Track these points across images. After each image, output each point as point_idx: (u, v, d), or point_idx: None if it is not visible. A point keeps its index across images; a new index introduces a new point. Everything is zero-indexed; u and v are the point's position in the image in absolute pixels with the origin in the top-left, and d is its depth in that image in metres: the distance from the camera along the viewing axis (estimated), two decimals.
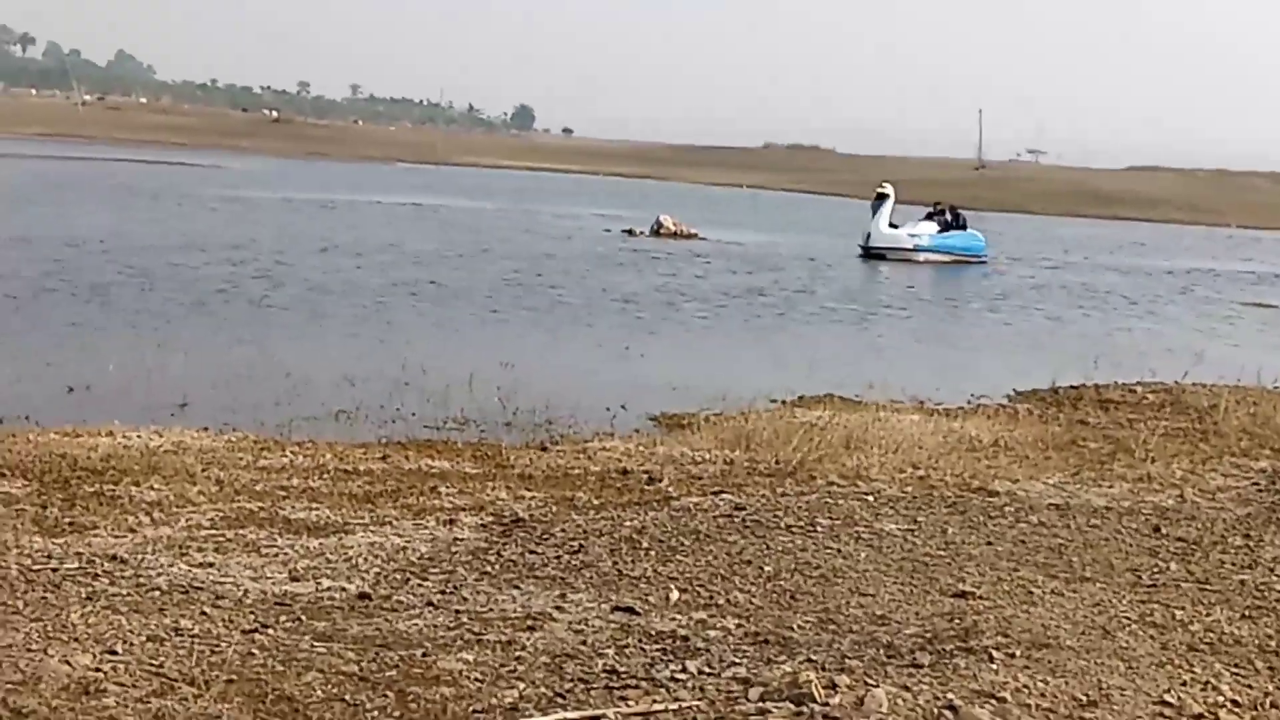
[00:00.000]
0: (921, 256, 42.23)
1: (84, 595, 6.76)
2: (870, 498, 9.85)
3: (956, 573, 7.89)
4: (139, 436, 11.30)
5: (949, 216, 44.00)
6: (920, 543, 8.58)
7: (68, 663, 5.80)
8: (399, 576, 7.46)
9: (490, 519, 8.92)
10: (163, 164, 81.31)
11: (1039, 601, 7.34)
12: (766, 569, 7.81)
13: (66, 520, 8.27)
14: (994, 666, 6.06)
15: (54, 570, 7.15)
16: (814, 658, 6.20)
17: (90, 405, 13.53)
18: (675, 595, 7.24)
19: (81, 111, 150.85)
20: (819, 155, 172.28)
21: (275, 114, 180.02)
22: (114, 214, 41.89)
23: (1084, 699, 5.78)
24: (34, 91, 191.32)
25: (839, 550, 8.29)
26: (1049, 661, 6.22)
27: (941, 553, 8.36)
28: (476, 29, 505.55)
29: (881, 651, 6.30)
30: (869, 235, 43.03)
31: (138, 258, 29.32)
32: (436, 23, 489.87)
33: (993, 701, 5.63)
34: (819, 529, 8.79)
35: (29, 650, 5.93)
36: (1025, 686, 5.84)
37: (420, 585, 7.31)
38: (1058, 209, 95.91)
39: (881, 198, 42.75)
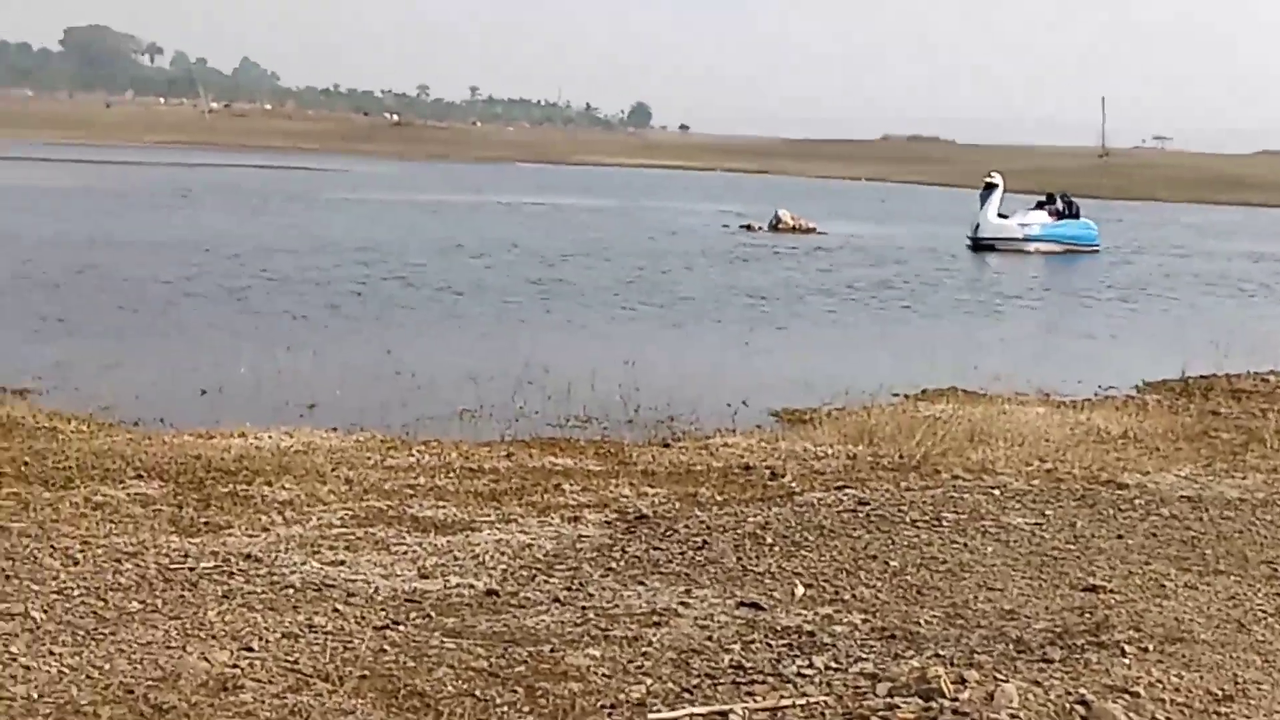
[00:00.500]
0: (1032, 246, 41.48)
1: (220, 594, 6.92)
2: (996, 491, 9.74)
3: (1086, 567, 7.78)
4: (270, 437, 11.52)
5: (1061, 205, 43.19)
6: (1049, 537, 8.48)
7: (206, 659, 5.95)
8: (525, 573, 7.53)
9: (614, 516, 8.97)
10: (288, 169, 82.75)
11: (1172, 595, 7.22)
12: (892, 564, 7.77)
13: (202, 520, 8.46)
14: (1126, 661, 5.97)
15: (191, 569, 7.32)
16: (942, 653, 6.16)
17: (223, 407, 13.82)
18: (800, 590, 7.23)
19: (208, 119, 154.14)
20: (938, 146, 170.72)
21: (396, 117, 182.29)
22: (244, 218, 42.76)
23: (1219, 693, 5.68)
24: (162, 100, 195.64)
25: (965, 545, 8.22)
26: (1183, 656, 6.11)
27: (1071, 546, 8.25)
28: (593, 29, 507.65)
29: (1011, 646, 6.24)
30: (977, 226, 42.39)
31: (269, 261, 29.90)
32: (553, 24, 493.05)
33: (1126, 696, 5.55)
34: (945, 523, 8.72)
35: (168, 648, 6.09)
36: (1159, 681, 5.75)
37: (546, 582, 7.38)
38: (1185, 195, 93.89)
39: (990, 187, 42.07)
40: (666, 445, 12.19)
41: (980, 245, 41.83)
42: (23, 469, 9.70)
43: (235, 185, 62.45)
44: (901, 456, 11.18)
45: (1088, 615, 6.74)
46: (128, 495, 9.03)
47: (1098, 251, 42.56)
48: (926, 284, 32.46)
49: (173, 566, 7.36)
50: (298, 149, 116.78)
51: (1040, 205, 43.29)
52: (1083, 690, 5.57)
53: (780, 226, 47.28)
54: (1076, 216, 43.24)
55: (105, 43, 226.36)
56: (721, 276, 31.87)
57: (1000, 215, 42.35)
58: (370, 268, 29.69)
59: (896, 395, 15.92)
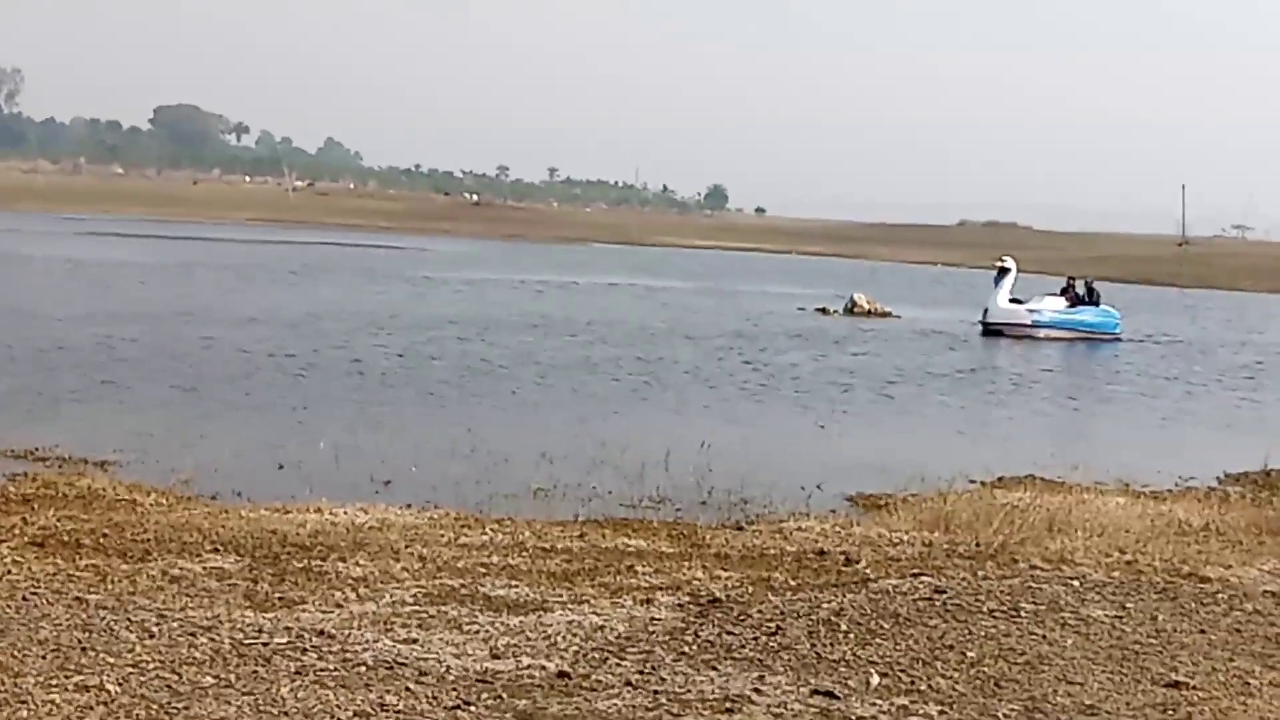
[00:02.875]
0: (1042, 333, 40.69)
1: (293, 670, 6.94)
2: (1075, 582, 9.59)
3: (1169, 662, 7.64)
4: (345, 513, 11.59)
5: (1080, 291, 42.44)
6: (1129, 630, 8.33)
7: None
8: (597, 655, 7.49)
9: (687, 599, 8.92)
10: (369, 246, 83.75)
11: (1256, 693, 7.06)
12: (969, 654, 7.66)
13: (276, 595, 8.50)
14: None
15: (264, 645, 7.35)
16: None
17: (300, 482, 13.93)
18: (876, 680, 7.14)
19: (292, 197, 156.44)
20: (1015, 232, 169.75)
21: (475, 197, 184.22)
22: (330, 294, 43.26)
23: None
24: (247, 178, 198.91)
25: (1044, 636, 8.09)
26: None
27: (1152, 640, 8.10)
28: (669, 111, 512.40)
29: None
30: (986, 310, 41.95)
31: (352, 337, 30.20)
32: (631, 106, 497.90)
33: None
34: (1023, 614, 8.59)
35: None
36: None
37: (619, 665, 7.34)
38: (1267, 285, 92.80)
39: (1003, 272, 41.54)
40: (740, 528, 12.13)
41: (989, 330, 41.23)
42: (101, 541, 9.81)
43: (318, 263, 63.23)
44: (978, 544, 11.05)
45: (1170, 712, 6.61)
46: (204, 569, 9.10)
47: (1120, 339, 41.51)
48: (999, 369, 32.20)
49: (247, 641, 7.39)
50: (379, 228, 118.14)
51: (1062, 292, 42.50)
52: None
53: (856, 310, 47.15)
54: (1095, 303, 42.36)
55: (194, 121, 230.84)
56: (792, 358, 31.81)
57: (1015, 300, 41.75)
58: (445, 344, 29.95)
59: (973, 482, 15.78)
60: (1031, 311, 41.42)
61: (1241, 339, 46.46)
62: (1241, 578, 10.17)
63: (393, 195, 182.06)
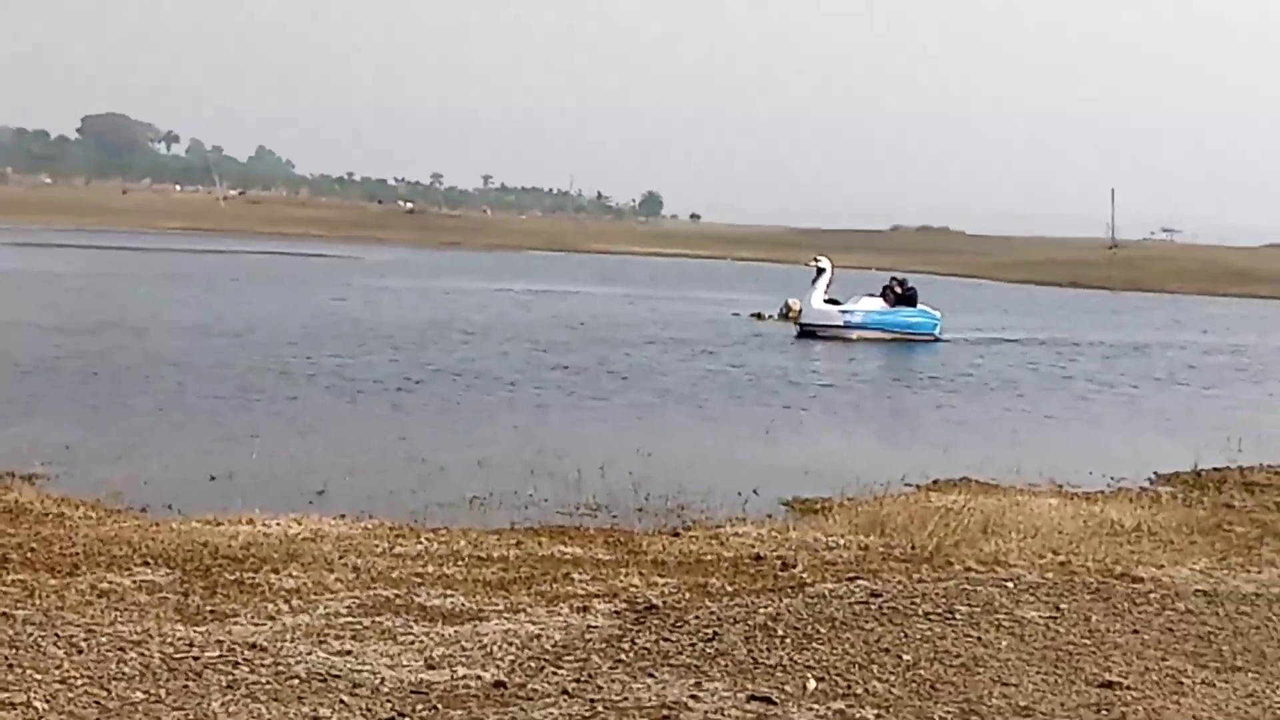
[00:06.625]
0: (855, 334, 40.31)
1: (225, 684, 6.85)
2: (1010, 584, 9.64)
3: (1102, 662, 7.69)
4: (278, 524, 11.47)
5: (898, 291, 41.97)
6: (1063, 630, 8.38)
7: None
8: (534, 664, 7.45)
9: (624, 606, 8.89)
10: (302, 255, 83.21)
11: (1189, 692, 7.12)
12: (905, 658, 7.68)
13: (208, 608, 8.39)
14: None
15: (195, 658, 7.25)
16: None
17: (232, 493, 13.77)
18: (812, 684, 7.14)
19: (224, 206, 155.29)
20: (948, 237, 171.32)
21: (410, 205, 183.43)
22: (259, 304, 42.92)
23: None
24: (178, 187, 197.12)
25: (979, 638, 8.12)
26: None
27: (1086, 641, 8.15)
28: (604, 118, 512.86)
29: None
30: (799, 311, 41.92)
31: (281, 349, 29.93)
32: (565, 113, 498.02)
33: None
34: (958, 616, 8.62)
35: None
36: None
37: (555, 673, 7.29)
38: (1194, 287, 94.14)
39: (819, 272, 41.47)
40: (677, 534, 12.12)
41: (804, 331, 41.01)
42: (29, 555, 9.65)
43: (249, 272, 62.73)
44: (914, 547, 11.09)
45: (1104, 712, 6.65)
46: (134, 583, 8.97)
47: (938, 340, 41.11)
48: (933, 375, 32.41)
49: (177, 656, 7.28)
50: (311, 236, 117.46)
51: (883, 291, 42.08)
52: None
53: (791, 315, 47.25)
54: (912, 303, 41.91)
55: (122, 130, 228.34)
56: (730, 364, 31.87)
57: (830, 301, 41.66)
58: (374, 355, 29.73)
59: (908, 485, 15.85)
60: (844, 312, 40.87)
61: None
62: (1173, 577, 10.27)
63: (326, 203, 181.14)
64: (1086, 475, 17.37)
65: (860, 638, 8.08)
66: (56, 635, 7.53)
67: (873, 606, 8.83)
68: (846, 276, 48.20)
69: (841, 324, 40.52)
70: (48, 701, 6.43)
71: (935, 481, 16.26)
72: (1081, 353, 40.32)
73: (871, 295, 41.67)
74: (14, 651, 7.19)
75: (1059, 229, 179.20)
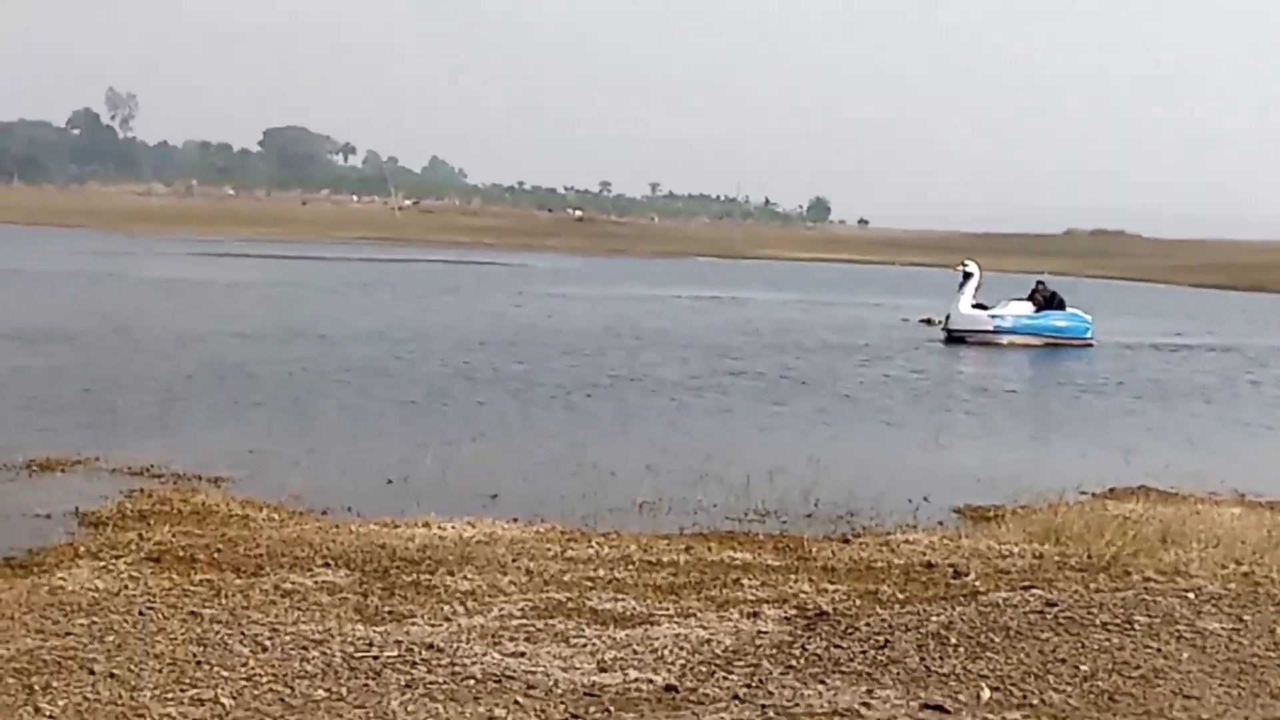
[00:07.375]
0: (1005, 339, 39.07)
1: (403, 683, 7.00)
2: (1191, 595, 9.40)
3: None
4: (453, 527, 11.68)
5: (1045, 295, 40.58)
6: (1247, 643, 8.15)
7: None
8: (704, 669, 7.48)
9: (794, 612, 8.88)
10: (475, 263, 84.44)
11: None
12: (1082, 668, 7.54)
13: (386, 609, 8.59)
14: None
15: (375, 658, 7.43)
16: None
17: (407, 497, 14.04)
18: (987, 694, 7.06)
19: (399, 215, 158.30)
20: (1124, 240, 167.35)
21: (579, 213, 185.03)
22: (439, 311, 43.64)
23: None
24: (355, 198, 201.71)
25: (1159, 650, 7.94)
26: None
27: (1270, 654, 7.92)
28: (771, 124, 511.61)
29: None
30: (948, 316, 40.89)
31: (463, 355, 30.39)
32: (732, 120, 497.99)
33: None
34: (1137, 627, 8.44)
35: None
36: None
37: (726, 678, 7.32)
38: None
39: (966, 276, 40.31)
40: (846, 541, 12.05)
41: (952, 337, 39.87)
42: (215, 556, 9.97)
43: (427, 279, 63.83)
44: (1090, 556, 10.88)
45: None
46: (315, 583, 9.22)
47: (1091, 344, 39.80)
48: (1105, 381, 31.69)
49: (358, 655, 7.47)
50: (482, 244, 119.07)
51: (1030, 295, 40.88)
52: None
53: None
54: (1061, 307, 40.58)
55: (302, 143, 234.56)
56: (895, 369, 31.57)
57: (978, 306, 40.52)
58: (542, 363, 30.01)
59: (1084, 493, 15.53)
60: (994, 317, 39.80)
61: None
62: None
63: (497, 212, 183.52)
64: (1271, 484, 16.84)
65: (1036, 647, 7.95)
66: (242, 634, 7.77)
67: (1048, 616, 8.69)
68: (1001, 281, 47.26)
69: (991, 329, 39.64)
70: (234, 698, 6.65)
71: (1112, 489, 15.93)
72: (1258, 361, 38.98)
73: (1019, 299, 40.90)
74: (202, 649, 7.44)
75: (1244, 232, 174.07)
